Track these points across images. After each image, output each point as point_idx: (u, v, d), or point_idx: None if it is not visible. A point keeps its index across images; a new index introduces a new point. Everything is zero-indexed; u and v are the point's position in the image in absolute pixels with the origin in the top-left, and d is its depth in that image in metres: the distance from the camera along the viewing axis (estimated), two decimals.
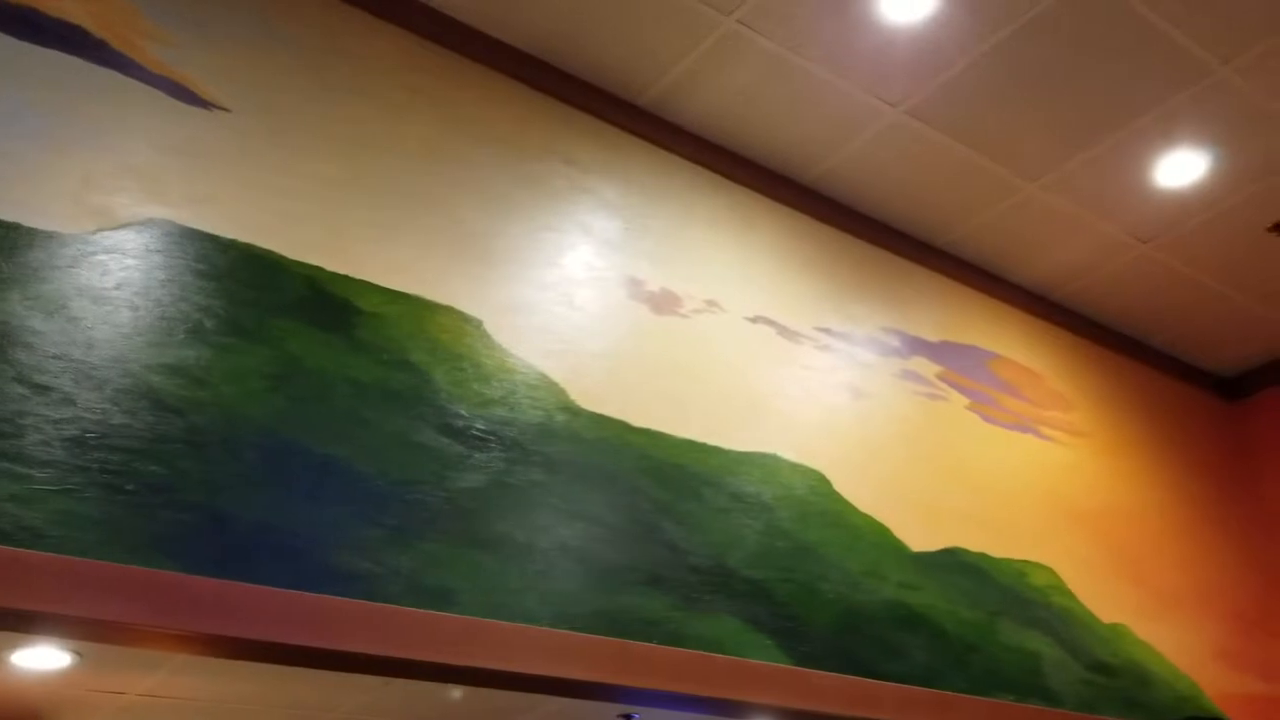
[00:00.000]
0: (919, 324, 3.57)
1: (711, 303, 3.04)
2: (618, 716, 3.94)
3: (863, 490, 3.03)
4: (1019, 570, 3.26)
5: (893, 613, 2.87)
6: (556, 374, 2.56)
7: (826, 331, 3.28)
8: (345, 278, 2.33)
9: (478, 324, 2.47)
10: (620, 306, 2.83)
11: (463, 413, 2.34)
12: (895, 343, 3.46)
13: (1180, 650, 3.54)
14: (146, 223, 2.15)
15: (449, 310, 2.43)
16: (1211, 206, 3.67)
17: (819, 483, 2.95)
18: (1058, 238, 3.79)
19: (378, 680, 3.04)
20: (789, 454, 2.93)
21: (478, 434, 2.34)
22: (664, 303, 2.94)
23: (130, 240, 2.11)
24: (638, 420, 2.67)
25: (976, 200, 3.61)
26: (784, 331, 3.17)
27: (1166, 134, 3.37)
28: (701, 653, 2.46)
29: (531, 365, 2.53)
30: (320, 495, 2.09)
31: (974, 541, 3.20)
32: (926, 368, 3.49)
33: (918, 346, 3.51)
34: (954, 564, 3.11)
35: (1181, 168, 3.49)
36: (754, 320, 3.11)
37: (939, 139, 3.34)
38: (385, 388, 2.25)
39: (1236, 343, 4.43)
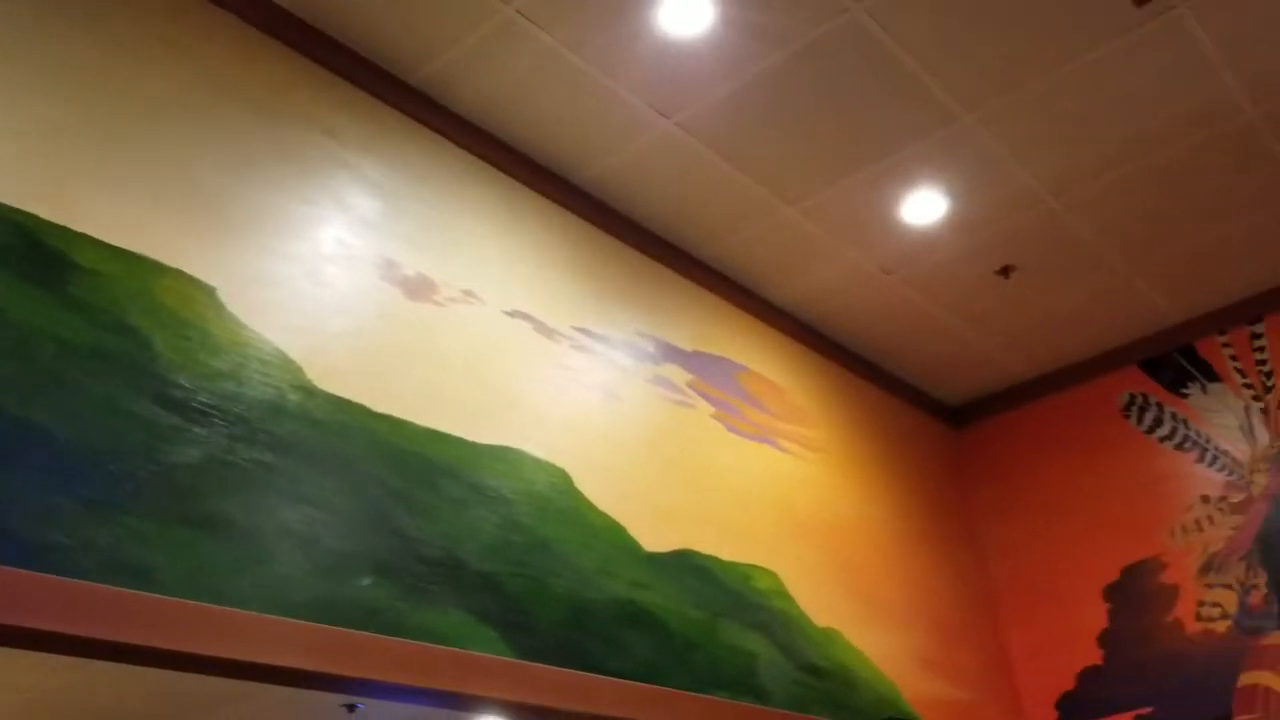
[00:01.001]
0: (675, 332, 3.67)
1: (469, 293, 3.01)
2: (341, 706, 3.85)
3: (604, 490, 3.08)
4: (745, 574, 3.40)
5: (621, 610, 2.93)
6: (294, 351, 2.47)
7: (585, 332, 3.32)
8: (63, 229, 2.16)
9: (210, 291, 2.35)
10: (371, 288, 2.76)
11: (184, 383, 2.22)
12: (650, 348, 3.54)
13: (885, 655, 3.79)
14: None
15: (178, 274, 2.30)
16: (949, 246, 3.96)
17: (561, 480, 2.97)
18: (811, 261, 3.98)
19: (77, 660, 2.84)
20: (534, 450, 2.94)
21: (199, 407, 2.22)
22: (419, 288, 2.90)
23: None
24: (379, 405, 2.61)
25: (738, 217, 3.74)
26: (541, 328, 3.18)
27: (913, 174, 3.61)
28: (423, 644, 2.43)
29: (267, 339, 2.43)
30: (11, 459, 1.93)
31: (706, 544, 3.32)
32: (678, 375, 3.59)
33: (672, 354, 3.61)
34: (684, 565, 3.21)
35: (924, 207, 3.75)
36: (512, 314, 3.11)
37: (707, 155, 3.45)
38: (98, 350, 2.10)
39: (964, 374, 4.79)
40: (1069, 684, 4.33)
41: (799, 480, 3.87)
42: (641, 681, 2.87)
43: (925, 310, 4.33)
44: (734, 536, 3.45)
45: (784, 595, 3.51)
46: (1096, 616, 4.35)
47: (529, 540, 2.81)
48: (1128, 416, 4.54)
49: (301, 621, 2.26)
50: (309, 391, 2.47)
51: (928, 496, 4.59)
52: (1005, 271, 4.11)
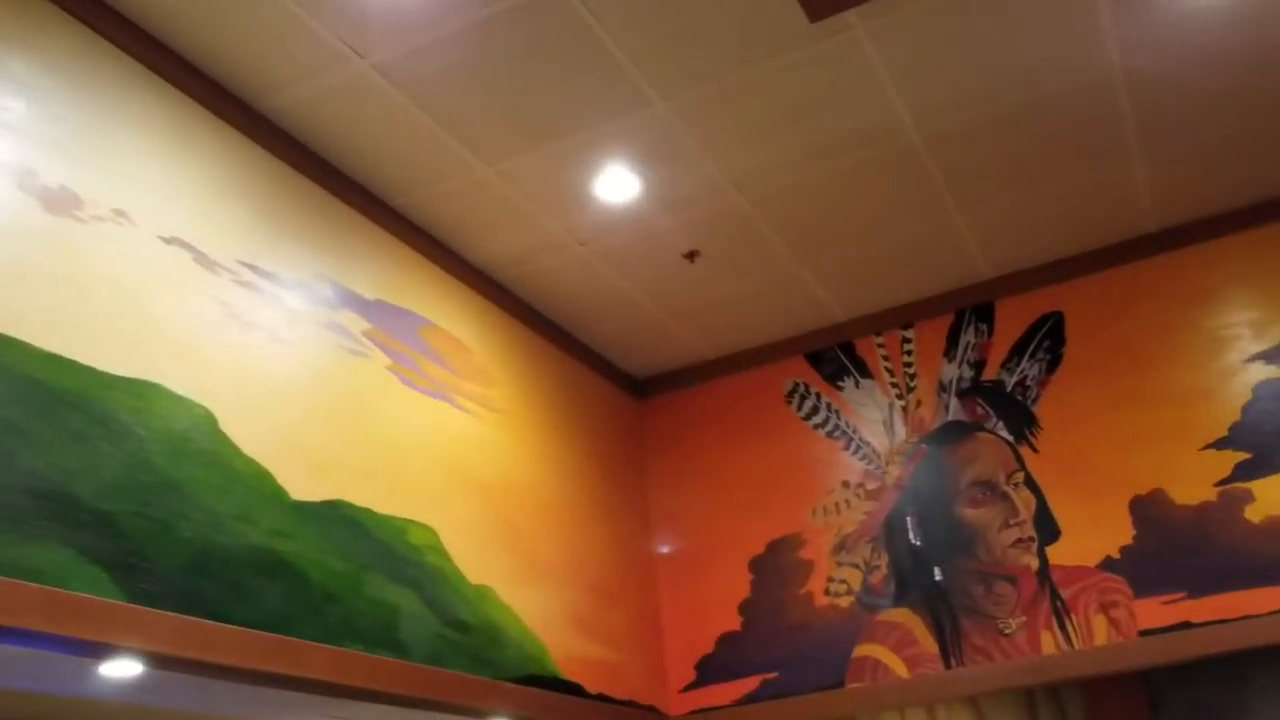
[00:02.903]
0: (357, 279, 3.59)
1: (120, 213, 2.81)
2: None
3: (254, 434, 2.97)
4: (400, 528, 3.40)
5: (255, 558, 2.85)
6: None
7: (253, 268, 3.18)
8: None
9: None
10: (4, 197, 2.52)
11: None
12: (328, 292, 3.44)
13: (538, 615, 3.91)
14: None
15: None
16: (640, 225, 4.09)
17: (204, 420, 2.85)
18: (506, 223, 4.00)
19: None
20: (176, 386, 2.80)
21: None
22: (61, 202, 2.67)
23: None
24: None
25: (434, 170, 3.70)
26: (202, 259, 3.02)
27: (608, 151, 3.69)
28: (13, 580, 2.26)
29: None
30: None
31: (361, 496, 3.28)
32: (355, 323, 3.52)
33: (350, 300, 3.53)
34: (335, 516, 3.16)
35: (618, 184, 3.85)
36: (168, 241, 2.93)
37: (404, 102, 3.38)
38: None
39: (649, 349, 4.98)
40: (709, 648, 4.63)
41: (473, 439, 3.90)
42: (270, 632, 2.81)
43: (616, 284, 4.46)
44: (394, 490, 3.43)
45: (439, 551, 3.53)
46: (740, 586, 4.67)
47: (159, 480, 2.67)
48: (790, 402, 4.88)
49: None
50: None
51: (604, 463, 4.75)
52: (691, 256, 4.30)
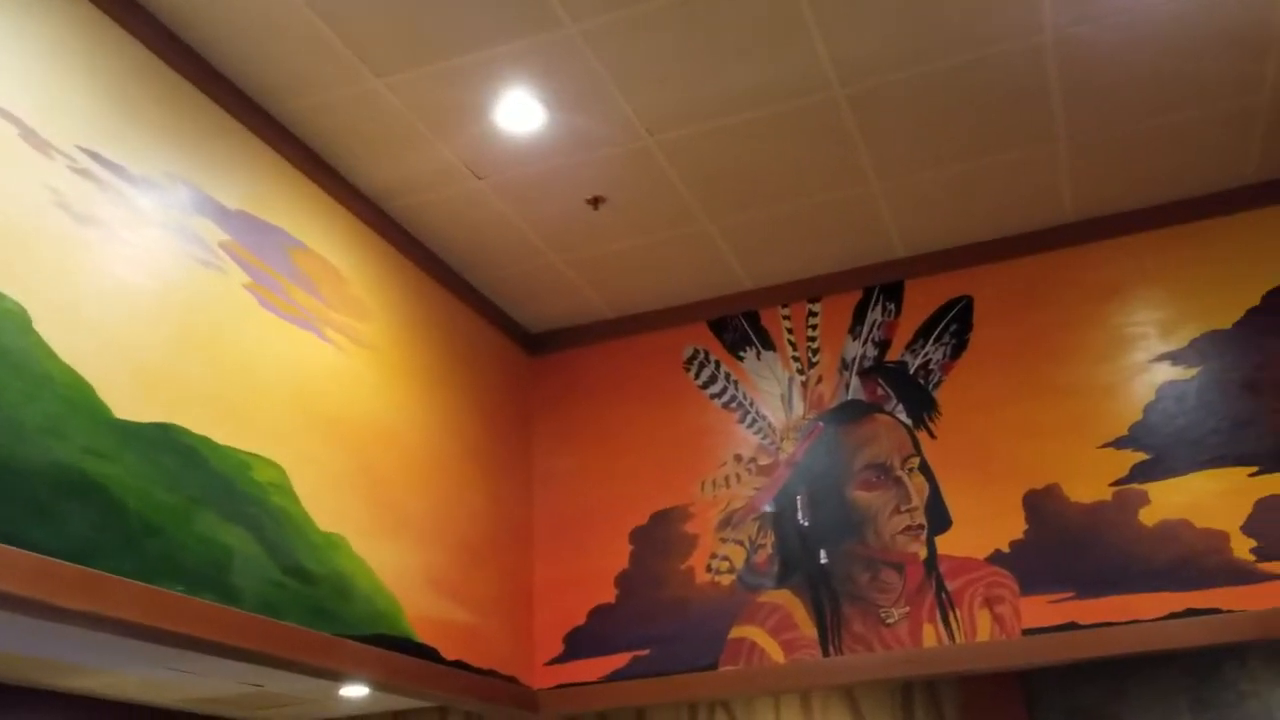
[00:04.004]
0: (219, 186, 3.24)
1: None
2: None
3: (74, 338, 2.62)
4: (244, 462, 3.07)
5: (64, 477, 2.51)
6: None
7: (94, 156, 2.82)
8: None
9: None
10: None
11: None
12: (182, 194, 3.09)
13: (395, 571, 3.62)
14: None
15: None
16: (543, 161, 3.80)
17: (14, 315, 2.49)
18: (397, 145, 3.68)
19: None
20: None
21: None
22: None
23: None
24: None
25: (317, 76, 3.37)
26: (33, 139, 2.65)
27: (512, 74, 3.40)
28: None
29: None
30: None
31: (200, 423, 2.95)
32: (211, 232, 3.17)
33: (207, 207, 3.18)
34: (165, 441, 2.83)
35: (521, 113, 3.55)
36: None
37: None
38: None
39: (546, 301, 4.71)
40: (580, 619, 4.39)
41: (338, 375, 3.58)
42: (72, 562, 2.48)
43: (514, 226, 4.17)
44: (239, 420, 3.10)
45: (286, 491, 3.22)
46: (619, 557, 4.44)
47: None
48: (689, 370, 4.65)
49: None
50: None
51: (487, 416, 4.46)
52: (595, 202, 4.03)
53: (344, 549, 3.40)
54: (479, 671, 3.99)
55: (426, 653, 3.71)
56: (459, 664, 3.88)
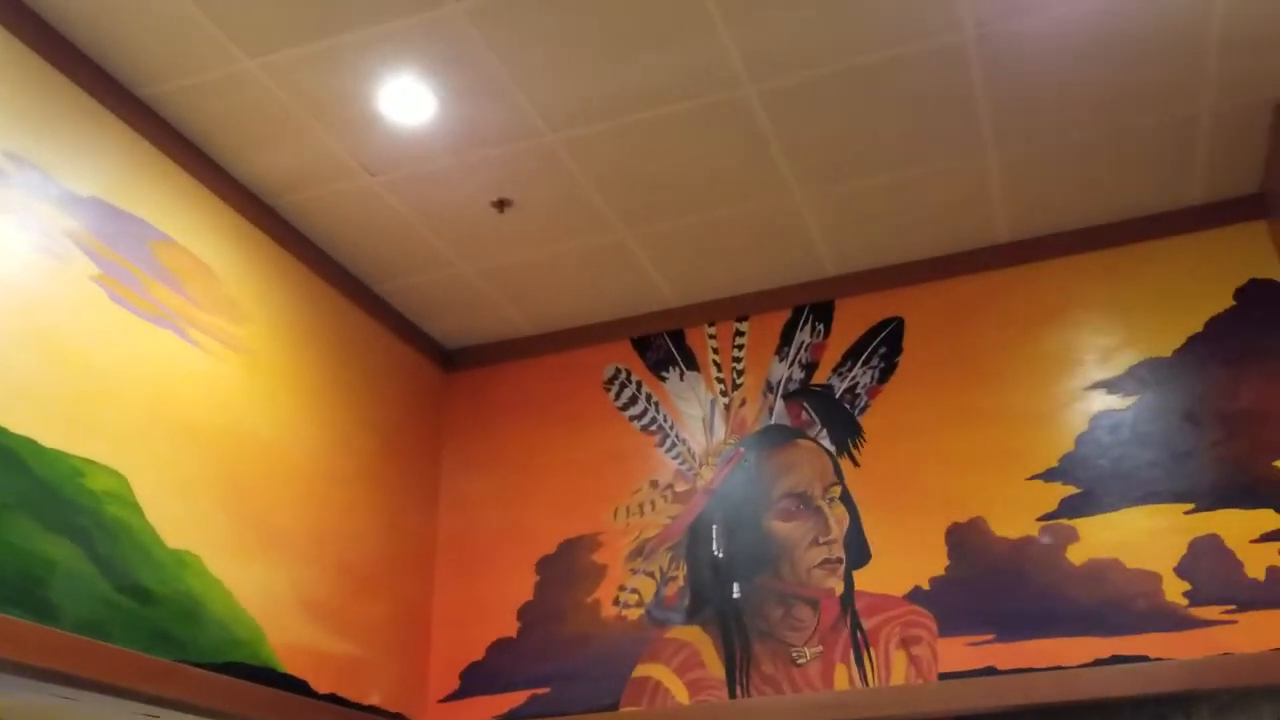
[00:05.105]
0: (70, 170, 2.99)
1: None
2: None
3: None
4: (76, 468, 2.80)
5: None
6: None
7: None
8: None
9: None
10: None
11: None
12: (25, 176, 2.84)
13: (258, 593, 3.33)
14: None
15: None
16: (440, 158, 3.57)
17: None
18: (277, 134, 3.44)
19: None
20: None
21: None
22: None
23: None
24: None
25: (186, 57, 3.13)
26: None
27: (395, 55, 3.16)
28: None
29: None
30: None
31: (23, 423, 2.68)
32: (56, 219, 2.92)
33: (54, 193, 2.92)
34: None
35: (409, 101, 3.32)
36: None
37: None
38: None
39: (458, 314, 4.45)
40: (479, 654, 4.10)
41: (202, 379, 3.30)
42: None
43: (416, 230, 3.92)
44: (75, 423, 2.83)
45: (128, 502, 2.93)
46: (524, 588, 4.15)
47: None
48: (608, 390, 4.39)
49: None
50: None
51: (389, 434, 4.19)
52: (501, 205, 3.79)
53: (195, 567, 3.12)
54: (357, 707, 3.69)
55: (293, 684, 3.41)
56: (333, 698, 3.58)
